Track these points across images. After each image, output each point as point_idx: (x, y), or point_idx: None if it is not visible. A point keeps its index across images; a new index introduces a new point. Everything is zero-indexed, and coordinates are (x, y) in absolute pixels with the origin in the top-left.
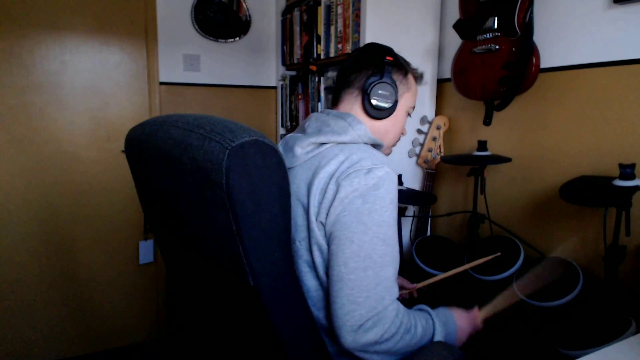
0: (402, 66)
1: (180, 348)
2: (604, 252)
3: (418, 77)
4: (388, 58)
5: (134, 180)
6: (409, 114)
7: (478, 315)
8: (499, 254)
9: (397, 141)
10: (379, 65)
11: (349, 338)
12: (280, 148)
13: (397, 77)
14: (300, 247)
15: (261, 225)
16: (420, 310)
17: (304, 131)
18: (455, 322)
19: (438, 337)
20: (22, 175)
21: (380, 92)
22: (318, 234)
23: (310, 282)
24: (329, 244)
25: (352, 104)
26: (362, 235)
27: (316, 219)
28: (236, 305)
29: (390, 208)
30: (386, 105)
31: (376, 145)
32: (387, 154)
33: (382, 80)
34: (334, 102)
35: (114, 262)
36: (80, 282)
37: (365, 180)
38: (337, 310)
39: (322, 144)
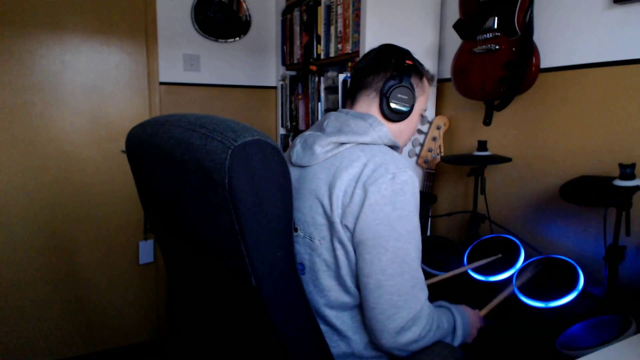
0: (418, 70)
1: (181, 348)
2: (604, 252)
3: (430, 79)
4: (408, 62)
5: (134, 180)
6: (422, 115)
7: (479, 314)
8: (499, 255)
9: (409, 141)
10: (399, 68)
11: (390, 340)
12: (299, 145)
13: (414, 81)
14: (320, 246)
15: (263, 225)
16: (440, 306)
17: (322, 130)
18: (469, 317)
19: (459, 330)
20: (22, 175)
21: (399, 95)
22: (343, 235)
23: (327, 281)
24: (358, 250)
25: (369, 105)
26: (395, 242)
27: (340, 221)
28: (237, 305)
29: (416, 211)
30: (404, 109)
31: (394, 147)
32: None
33: (402, 84)
34: (349, 102)
35: (114, 262)
36: (80, 282)
37: (392, 185)
38: (377, 315)
39: (342, 143)
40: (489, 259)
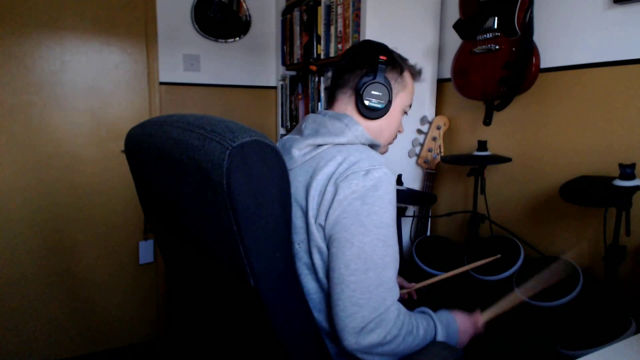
0: (397, 64)
1: (181, 348)
2: (604, 252)
3: (416, 74)
4: (382, 57)
5: (134, 181)
6: (405, 112)
7: (479, 318)
8: (499, 256)
9: (393, 139)
10: (372, 64)
11: (352, 340)
12: None
13: (391, 76)
14: (300, 249)
15: (262, 226)
16: (422, 312)
17: (300, 133)
18: (457, 325)
19: (440, 339)
20: (22, 175)
21: (373, 92)
22: (317, 236)
23: (309, 284)
24: (328, 247)
25: (346, 104)
26: (362, 237)
27: (315, 221)
28: (236, 306)
29: (389, 209)
30: (379, 105)
31: (373, 146)
32: (383, 153)
33: (375, 80)
34: (329, 101)
35: (114, 262)
36: (80, 282)
37: (364, 181)
38: (339, 312)
39: (320, 145)
40: (489, 259)
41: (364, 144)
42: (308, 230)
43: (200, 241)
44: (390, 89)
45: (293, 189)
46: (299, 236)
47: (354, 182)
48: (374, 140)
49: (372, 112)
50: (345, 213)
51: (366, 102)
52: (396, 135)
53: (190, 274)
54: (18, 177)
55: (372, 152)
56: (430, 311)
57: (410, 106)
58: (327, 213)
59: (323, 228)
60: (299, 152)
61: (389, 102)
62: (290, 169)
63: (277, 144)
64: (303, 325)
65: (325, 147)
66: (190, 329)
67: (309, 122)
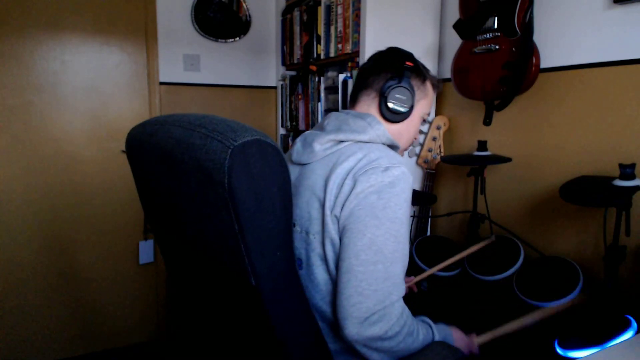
0: (421, 72)
1: (181, 348)
2: (604, 252)
3: (435, 85)
4: (408, 63)
5: (134, 180)
6: (424, 120)
7: (475, 341)
8: (493, 239)
9: (409, 145)
10: (399, 69)
11: (354, 330)
12: (299, 144)
13: (415, 83)
14: (314, 240)
15: (263, 225)
16: (422, 321)
17: (322, 129)
18: (454, 341)
19: None
20: (22, 175)
21: (397, 96)
22: (331, 228)
23: (321, 275)
24: (341, 238)
25: (369, 105)
26: (375, 229)
27: (331, 213)
28: (237, 305)
29: (404, 206)
30: (402, 109)
31: (393, 147)
32: None
33: (400, 84)
34: (351, 102)
35: (114, 262)
36: (80, 282)
37: (382, 177)
38: (343, 301)
39: (341, 141)
40: (483, 243)
41: (385, 144)
42: (323, 222)
43: (200, 241)
44: (414, 94)
45: (312, 182)
46: (314, 227)
47: (373, 177)
48: (394, 141)
49: (394, 115)
50: (361, 205)
51: (390, 105)
52: (412, 142)
53: (191, 274)
54: (18, 177)
55: (392, 152)
56: (430, 321)
57: (429, 114)
58: (343, 205)
59: (338, 219)
60: (320, 147)
61: (411, 107)
62: (311, 163)
63: (299, 138)
64: (303, 325)
65: (346, 143)
66: (190, 328)
67: (332, 119)
